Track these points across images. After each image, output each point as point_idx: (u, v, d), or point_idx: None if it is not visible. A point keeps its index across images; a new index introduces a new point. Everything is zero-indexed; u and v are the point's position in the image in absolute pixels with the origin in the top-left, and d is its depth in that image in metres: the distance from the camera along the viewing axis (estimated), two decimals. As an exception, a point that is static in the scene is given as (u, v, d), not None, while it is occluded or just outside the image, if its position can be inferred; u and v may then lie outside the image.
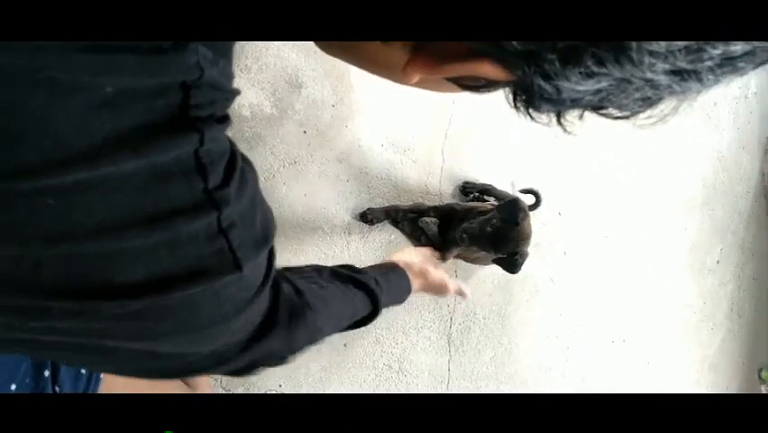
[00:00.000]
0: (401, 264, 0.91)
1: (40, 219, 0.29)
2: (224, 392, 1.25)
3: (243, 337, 0.47)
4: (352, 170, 1.41)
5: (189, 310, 0.36)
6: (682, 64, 0.31)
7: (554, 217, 1.89)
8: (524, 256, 1.36)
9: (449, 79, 0.39)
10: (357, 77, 1.38)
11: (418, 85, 0.42)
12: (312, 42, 0.38)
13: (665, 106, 0.36)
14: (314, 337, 0.63)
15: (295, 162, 1.32)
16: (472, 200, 1.59)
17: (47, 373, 0.65)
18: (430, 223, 1.52)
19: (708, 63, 0.31)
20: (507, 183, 1.72)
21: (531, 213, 1.69)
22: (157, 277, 0.33)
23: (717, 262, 2.55)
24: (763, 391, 2.85)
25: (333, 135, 1.38)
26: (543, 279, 1.88)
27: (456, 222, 1.41)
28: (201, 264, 0.34)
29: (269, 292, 0.47)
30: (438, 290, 1.00)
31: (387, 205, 1.47)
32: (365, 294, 0.76)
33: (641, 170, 2.17)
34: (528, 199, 1.68)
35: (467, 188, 1.60)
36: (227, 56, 0.35)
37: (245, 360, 0.48)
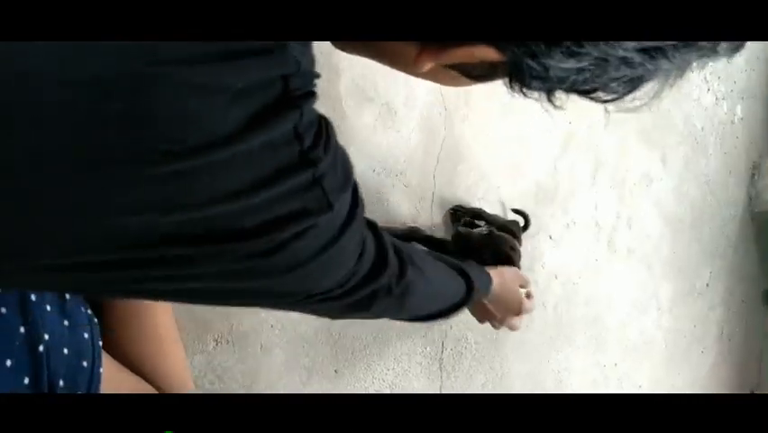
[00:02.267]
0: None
1: (200, 188, 0.38)
2: (223, 393, 1.22)
3: (360, 271, 0.56)
4: (344, 194, 1.41)
5: (298, 243, 0.44)
6: (648, 42, 0.37)
7: (545, 241, 1.89)
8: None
9: (456, 69, 0.47)
10: (349, 102, 1.39)
11: (430, 76, 0.50)
12: None
13: (648, 90, 0.42)
14: (422, 291, 0.69)
15: (287, 187, 1.32)
16: (464, 225, 1.59)
17: (41, 348, 0.63)
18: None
19: (672, 42, 0.37)
20: (499, 205, 1.73)
21: (522, 234, 1.71)
22: (273, 220, 0.42)
23: (707, 285, 2.57)
24: (754, 415, 2.85)
25: (326, 160, 1.38)
26: (534, 302, 1.87)
27: (450, 253, 1.41)
28: (303, 207, 0.43)
29: (369, 231, 0.59)
30: (517, 302, 1.05)
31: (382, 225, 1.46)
32: (459, 274, 0.80)
33: (630, 193, 2.19)
34: (519, 220, 1.69)
35: (458, 213, 1.61)
36: (310, 46, 0.44)
37: (367, 291, 0.57)
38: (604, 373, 2.12)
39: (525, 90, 0.44)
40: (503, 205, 1.74)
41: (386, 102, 1.44)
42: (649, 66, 0.38)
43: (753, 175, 2.84)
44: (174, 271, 0.41)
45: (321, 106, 1.37)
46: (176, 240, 0.39)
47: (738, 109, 2.72)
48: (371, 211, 1.46)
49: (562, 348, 1.97)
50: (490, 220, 1.58)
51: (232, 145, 0.37)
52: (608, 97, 0.42)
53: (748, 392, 2.83)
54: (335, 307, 0.58)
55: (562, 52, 0.37)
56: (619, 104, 0.43)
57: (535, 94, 0.44)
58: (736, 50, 0.39)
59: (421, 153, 1.56)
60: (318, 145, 0.43)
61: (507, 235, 1.37)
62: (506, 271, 1.01)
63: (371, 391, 1.49)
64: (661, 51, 0.37)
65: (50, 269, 0.39)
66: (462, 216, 1.61)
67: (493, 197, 1.72)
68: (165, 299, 0.65)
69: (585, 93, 0.43)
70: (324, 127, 0.45)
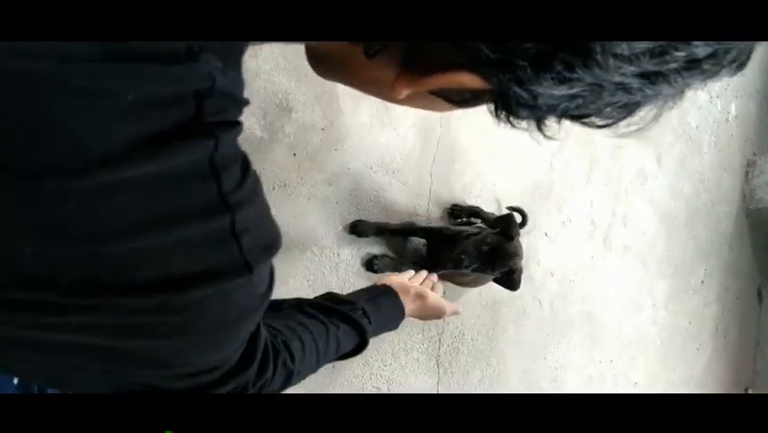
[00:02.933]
0: (395, 287, 0.88)
1: (64, 219, 0.30)
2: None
3: (227, 366, 0.47)
4: (341, 192, 1.42)
5: (199, 310, 0.37)
6: (648, 66, 0.33)
7: (541, 238, 1.91)
8: (520, 271, 1.38)
9: (436, 95, 0.41)
10: (346, 101, 1.40)
11: (409, 102, 0.44)
12: (302, 67, 0.41)
13: (645, 114, 0.38)
14: (290, 380, 0.62)
15: (284, 185, 1.33)
16: (461, 223, 1.61)
17: None
18: (419, 244, 1.53)
19: (674, 65, 0.33)
20: (495, 203, 1.75)
21: (517, 229, 1.72)
22: (172, 276, 0.34)
23: (702, 282, 2.59)
24: (750, 411, 2.87)
25: (323, 158, 1.39)
26: (530, 300, 1.89)
27: (444, 244, 1.42)
28: (214, 266, 0.35)
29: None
30: (436, 313, 0.97)
31: (377, 222, 1.48)
32: (350, 327, 0.73)
33: (625, 191, 2.21)
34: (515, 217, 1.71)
35: (455, 211, 1.62)
36: (237, 69, 0.37)
37: (221, 389, 0.48)
38: (600, 370, 2.13)
39: (512, 119, 0.38)
40: (498, 202, 1.76)
41: (383, 100, 1.45)
42: (648, 91, 0.34)
43: (747, 173, 2.86)
44: (40, 318, 0.34)
45: (319, 103, 1.37)
46: (49, 283, 0.32)
47: (732, 107, 2.73)
48: (369, 209, 1.48)
49: (559, 345, 1.98)
50: (488, 219, 1.59)
51: (121, 168, 0.30)
52: (603, 123, 0.38)
53: (744, 389, 2.85)
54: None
55: (552, 78, 0.33)
56: (614, 129, 0.39)
57: (524, 123, 0.39)
58: (740, 68, 0.35)
59: (418, 152, 1.57)
60: (241, 190, 0.35)
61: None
62: (426, 294, 0.94)
63: (369, 386, 1.50)
64: (662, 76, 0.33)
65: None
66: (460, 214, 1.62)
67: (489, 194, 1.74)
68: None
69: (577, 118, 0.38)
70: (250, 169, 0.37)
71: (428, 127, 1.58)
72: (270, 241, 0.40)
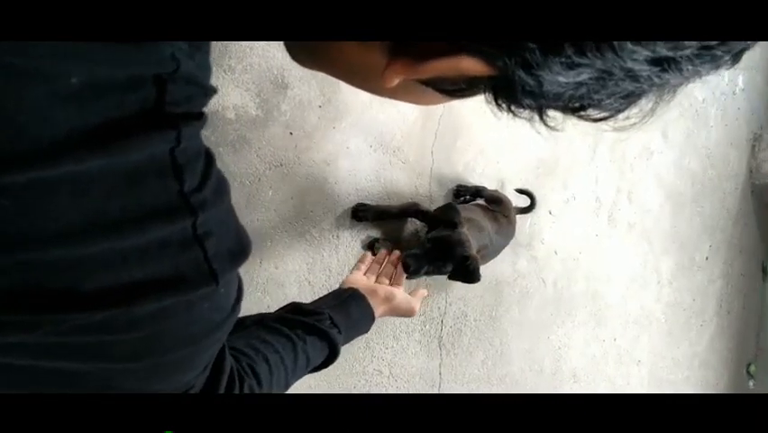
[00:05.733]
0: (362, 290, 0.83)
1: (12, 219, 0.26)
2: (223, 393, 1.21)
3: (197, 385, 0.44)
4: (340, 172, 1.38)
5: (157, 325, 0.32)
6: (663, 51, 0.30)
7: (545, 216, 1.87)
8: (474, 259, 1.28)
9: (427, 84, 0.38)
10: (344, 77, 1.35)
11: (396, 93, 0.40)
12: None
13: (643, 106, 0.36)
14: (273, 384, 0.59)
15: (281, 165, 1.29)
16: (464, 202, 1.57)
17: None
18: (419, 226, 1.50)
19: (688, 51, 0.31)
20: (498, 181, 1.70)
21: (526, 214, 1.68)
22: (125, 286, 0.30)
23: (706, 258, 2.56)
24: (751, 386, 2.87)
25: (321, 137, 1.35)
26: (533, 279, 1.86)
27: (443, 227, 1.38)
28: (174, 274, 0.31)
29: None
30: (405, 313, 0.92)
31: (379, 205, 1.44)
32: (318, 338, 0.69)
33: (630, 167, 2.16)
34: (523, 201, 1.67)
35: (460, 191, 1.58)
36: (204, 48, 0.32)
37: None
38: (603, 349, 2.12)
39: (513, 108, 0.35)
40: (502, 181, 1.71)
41: (367, 91, 1.40)
42: (656, 80, 0.32)
43: (753, 147, 2.82)
44: None
45: (315, 79, 1.32)
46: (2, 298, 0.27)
47: (740, 80, 2.67)
48: (369, 189, 1.44)
49: (562, 324, 1.96)
50: (490, 198, 1.56)
51: (66, 162, 0.26)
52: (600, 116, 0.36)
53: (746, 364, 2.85)
54: None
55: (561, 63, 0.30)
56: (610, 123, 0.36)
57: (525, 113, 0.36)
58: (737, 58, 0.33)
59: (418, 129, 1.53)
60: (204, 189, 0.31)
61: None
62: (394, 294, 0.91)
63: (370, 369, 1.48)
64: (674, 63, 0.31)
65: None
66: (464, 194, 1.58)
67: (492, 172, 1.69)
68: None
69: (574, 111, 0.36)
70: (214, 166, 0.33)
71: (429, 103, 1.53)
72: (238, 247, 0.36)
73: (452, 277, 1.32)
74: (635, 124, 0.37)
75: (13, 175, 0.25)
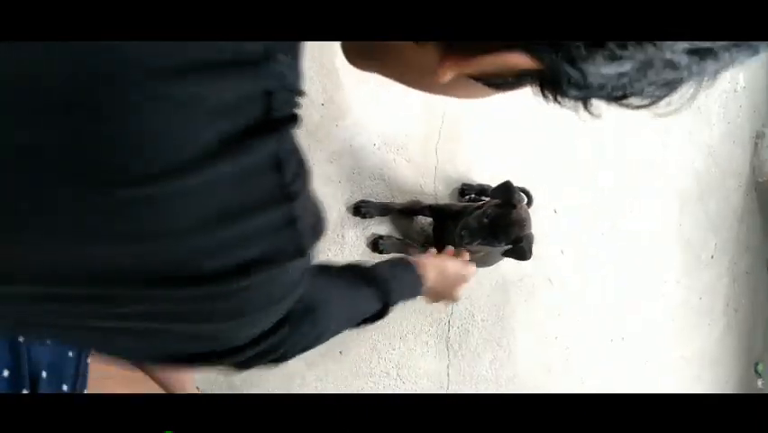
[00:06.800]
0: (412, 261, 0.87)
1: (152, 220, 0.32)
2: (223, 393, 1.19)
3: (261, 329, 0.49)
4: (343, 170, 1.37)
5: (255, 292, 0.39)
6: (701, 43, 0.32)
7: (551, 216, 1.86)
8: (530, 239, 1.30)
9: (477, 79, 0.40)
10: (347, 75, 1.34)
11: (449, 89, 0.43)
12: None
13: (684, 93, 0.37)
14: (320, 337, 0.62)
15: (285, 164, 1.27)
16: (470, 200, 1.55)
17: (21, 339, 0.60)
18: (425, 223, 1.48)
19: (725, 42, 0.32)
20: (503, 179, 1.69)
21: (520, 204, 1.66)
22: (236, 264, 0.36)
23: (712, 256, 2.54)
24: (759, 385, 2.85)
25: (324, 135, 1.33)
26: (540, 278, 1.84)
27: (450, 221, 1.36)
28: (274, 251, 0.37)
29: None
30: (458, 280, 0.96)
31: (382, 202, 1.42)
32: (375, 290, 0.73)
33: (636, 167, 2.15)
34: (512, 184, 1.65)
35: (465, 190, 1.57)
36: (300, 59, 0.37)
37: (254, 351, 0.49)
38: (612, 348, 2.09)
39: (560, 99, 0.37)
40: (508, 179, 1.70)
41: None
42: (695, 68, 0.34)
43: (756, 144, 2.81)
44: (127, 309, 0.36)
45: (317, 76, 1.30)
46: (130, 277, 0.34)
47: (741, 77, 2.67)
48: (373, 187, 1.42)
49: (570, 324, 1.94)
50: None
51: (203, 170, 0.32)
52: (642, 103, 0.37)
53: (754, 362, 2.82)
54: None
55: (604, 56, 0.32)
56: (653, 109, 0.38)
57: (570, 103, 0.38)
58: None
59: (423, 127, 1.51)
60: (298, 179, 0.37)
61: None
62: (445, 264, 0.95)
63: (377, 370, 1.45)
64: (711, 53, 0.33)
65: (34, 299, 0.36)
66: (469, 192, 1.57)
67: (497, 170, 1.68)
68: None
69: (617, 99, 0.37)
70: (303, 160, 0.39)
71: (433, 102, 1.52)
72: (319, 224, 0.43)
73: (506, 254, 1.34)
74: (676, 110, 0.38)
75: (161, 186, 0.31)
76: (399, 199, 1.46)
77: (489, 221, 1.26)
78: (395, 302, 0.76)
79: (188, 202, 0.32)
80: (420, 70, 0.42)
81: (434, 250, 1.02)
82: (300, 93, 0.37)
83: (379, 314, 0.75)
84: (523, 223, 1.27)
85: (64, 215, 0.31)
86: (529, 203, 1.60)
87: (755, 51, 0.34)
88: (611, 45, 0.32)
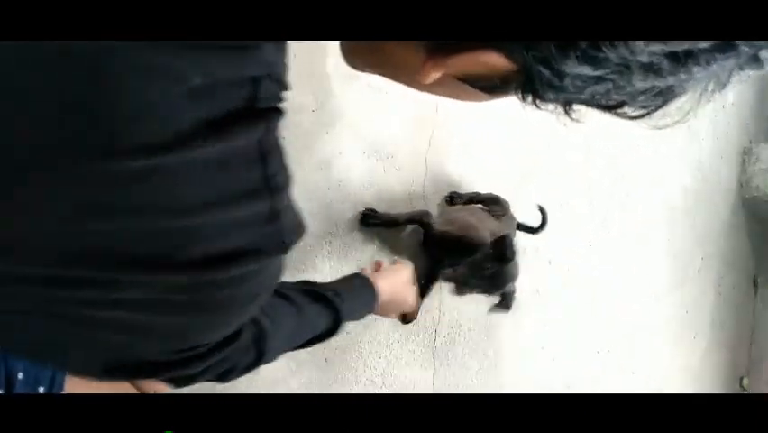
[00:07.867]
0: (364, 275, 0.88)
1: (138, 194, 0.32)
2: (223, 393, 1.18)
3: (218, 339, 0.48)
4: (332, 178, 1.37)
5: (235, 287, 0.39)
6: (677, 46, 0.31)
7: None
8: (514, 292, 1.36)
9: (464, 81, 0.41)
10: (338, 82, 1.34)
11: (439, 89, 0.44)
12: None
13: (682, 104, 0.36)
14: (265, 355, 0.61)
15: (273, 170, 1.27)
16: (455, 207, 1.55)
17: None
18: (416, 239, 1.48)
19: (704, 45, 0.31)
20: (492, 187, 1.69)
21: (536, 235, 1.67)
22: (219, 254, 0.36)
23: (698, 271, 2.56)
24: (745, 400, 2.86)
25: (313, 142, 1.33)
26: (527, 289, 1.84)
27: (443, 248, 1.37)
28: (256, 245, 0.37)
29: None
30: (407, 297, 0.97)
31: (389, 213, 1.42)
32: (323, 307, 0.73)
33: (623, 180, 2.17)
34: (535, 217, 1.65)
35: (454, 199, 1.57)
36: (285, 50, 0.38)
37: (206, 363, 0.49)
38: (597, 359, 2.10)
39: (538, 102, 0.38)
40: (494, 189, 1.70)
41: (375, 82, 1.39)
42: (680, 74, 0.33)
43: (743, 160, 2.84)
44: (96, 294, 0.36)
45: (308, 84, 1.30)
46: (108, 257, 0.33)
47: (730, 94, 2.70)
48: (362, 195, 1.42)
49: (556, 334, 1.94)
50: (487, 200, 1.55)
51: (186, 149, 0.32)
52: (636, 113, 0.37)
53: (739, 377, 2.83)
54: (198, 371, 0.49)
55: (576, 57, 0.32)
56: (648, 121, 0.37)
57: (551, 106, 0.38)
58: None
59: (413, 135, 1.52)
60: (281, 174, 0.37)
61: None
62: (399, 274, 0.95)
63: (363, 378, 1.45)
64: (692, 57, 0.32)
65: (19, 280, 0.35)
66: (458, 201, 1.57)
67: (487, 178, 1.68)
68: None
69: (609, 108, 0.37)
70: (285, 154, 0.39)
71: (423, 110, 1.53)
72: (300, 224, 0.42)
73: (494, 307, 1.38)
74: (675, 122, 0.38)
75: (145, 160, 0.31)
76: (385, 207, 1.45)
77: (489, 275, 1.28)
78: (347, 319, 0.76)
79: (171, 181, 0.32)
80: (410, 71, 0.42)
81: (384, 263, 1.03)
82: (286, 87, 0.37)
83: (330, 331, 0.74)
84: (517, 276, 1.33)
85: (62, 179, 0.31)
86: (543, 225, 1.62)
87: (745, 61, 0.33)
88: (583, 45, 0.31)
